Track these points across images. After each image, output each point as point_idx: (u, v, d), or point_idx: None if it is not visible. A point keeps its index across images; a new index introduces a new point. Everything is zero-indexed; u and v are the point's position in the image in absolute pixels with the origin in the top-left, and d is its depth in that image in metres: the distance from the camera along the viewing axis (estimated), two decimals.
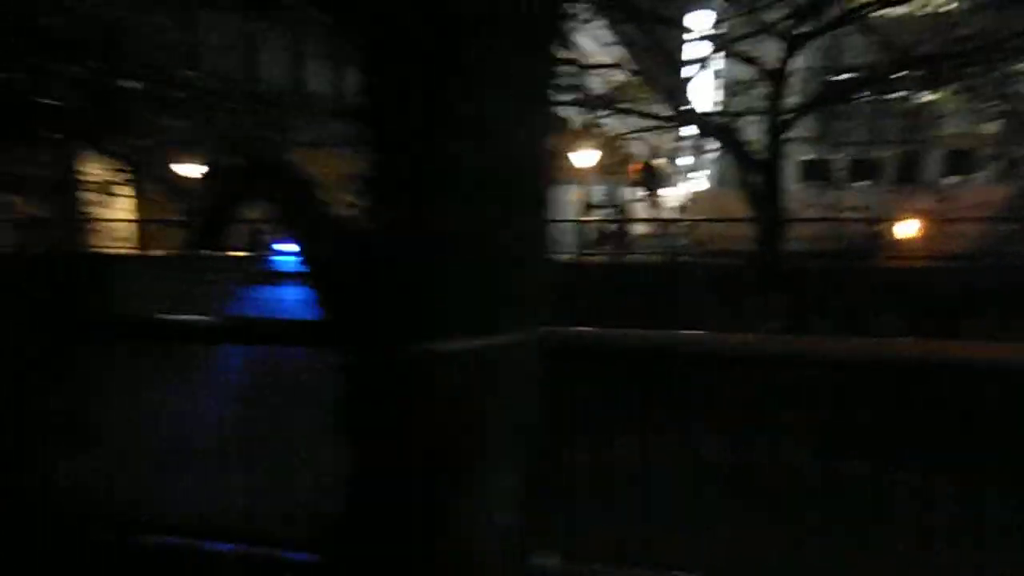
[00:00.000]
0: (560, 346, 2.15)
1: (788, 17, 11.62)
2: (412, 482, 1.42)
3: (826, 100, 12.49)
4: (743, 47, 13.10)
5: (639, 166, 18.20)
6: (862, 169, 22.85)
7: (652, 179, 18.57)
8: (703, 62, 13.96)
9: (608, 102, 13.27)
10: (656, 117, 14.58)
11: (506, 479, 1.52)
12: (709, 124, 13.09)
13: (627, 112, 13.65)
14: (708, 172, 27.01)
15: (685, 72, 15.20)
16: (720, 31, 13.82)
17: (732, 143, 12.80)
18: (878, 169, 23.33)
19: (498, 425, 1.45)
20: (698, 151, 22.10)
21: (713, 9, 15.55)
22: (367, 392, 1.41)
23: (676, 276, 13.94)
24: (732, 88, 14.87)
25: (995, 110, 13.44)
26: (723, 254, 17.27)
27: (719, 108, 14.41)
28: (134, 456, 2.82)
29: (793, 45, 12.05)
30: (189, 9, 12.51)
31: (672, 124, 14.31)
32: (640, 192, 19.98)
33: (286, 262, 17.06)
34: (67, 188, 16.39)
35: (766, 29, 12.23)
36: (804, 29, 11.97)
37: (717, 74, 18.59)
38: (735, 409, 2.54)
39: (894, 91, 14.17)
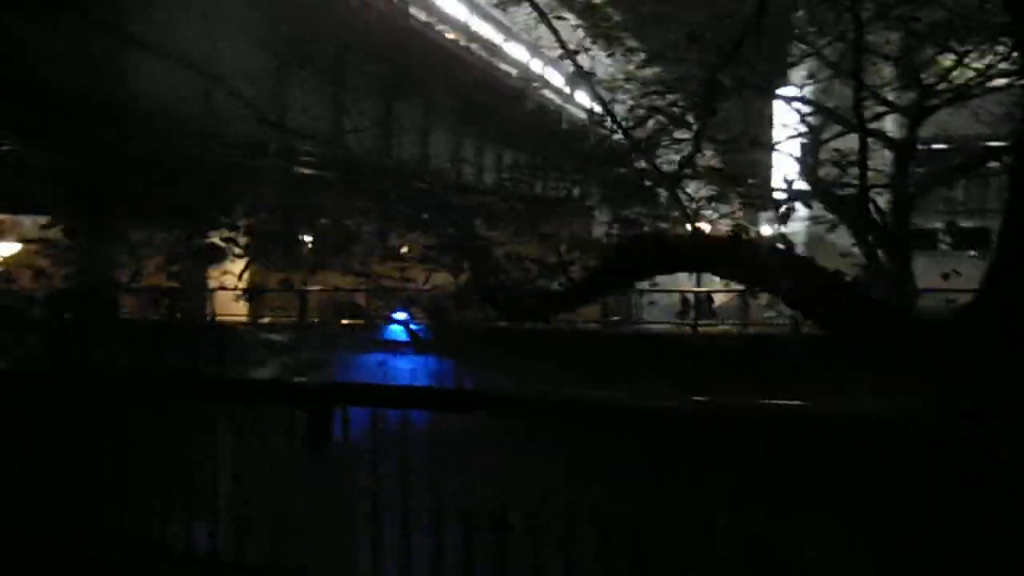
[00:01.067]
0: None
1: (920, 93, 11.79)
2: None
3: (960, 171, 12.49)
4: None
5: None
6: (975, 238, 22.28)
7: None
8: (815, 134, 14.17)
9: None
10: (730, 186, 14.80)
11: None
12: (829, 196, 13.20)
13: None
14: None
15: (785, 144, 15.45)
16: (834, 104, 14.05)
17: (854, 215, 12.82)
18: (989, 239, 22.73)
19: None
20: (782, 220, 21.88)
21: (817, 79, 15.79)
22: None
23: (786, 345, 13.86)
24: (841, 160, 14.95)
25: None
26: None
27: (830, 180, 14.51)
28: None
29: (918, 117, 12.17)
30: None
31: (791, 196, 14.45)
32: None
33: (398, 331, 17.60)
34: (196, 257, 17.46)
35: (891, 106, 12.41)
36: (932, 102, 12.10)
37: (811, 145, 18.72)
38: None
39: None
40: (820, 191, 13.03)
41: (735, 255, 2.04)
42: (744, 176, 15.74)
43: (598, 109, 19.00)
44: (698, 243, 2.22)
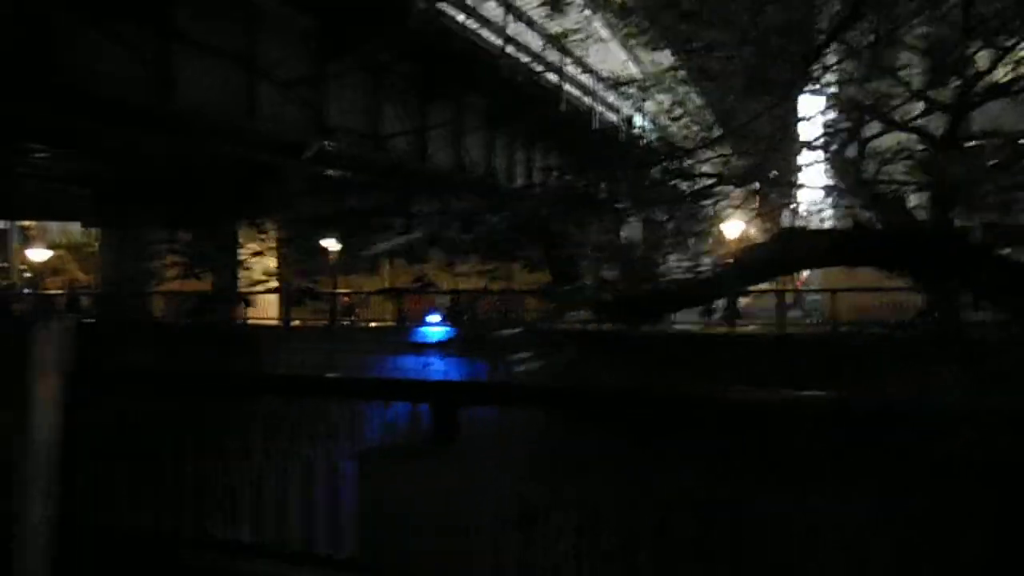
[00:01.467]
0: None
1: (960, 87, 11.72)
2: None
3: (1001, 167, 12.34)
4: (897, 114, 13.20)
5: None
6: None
7: None
8: (853, 132, 14.05)
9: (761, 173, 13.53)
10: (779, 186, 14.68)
11: None
12: (867, 194, 13.09)
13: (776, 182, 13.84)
14: None
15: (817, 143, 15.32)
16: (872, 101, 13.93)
17: (894, 214, 12.71)
18: None
19: None
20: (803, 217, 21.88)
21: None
22: None
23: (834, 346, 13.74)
24: (879, 157, 14.80)
25: None
26: (869, 324, 16.88)
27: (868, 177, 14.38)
28: None
29: (959, 113, 12.06)
30: None
31: (835, 193, 14.37)
32: None
33: (430, 333, 17.65)
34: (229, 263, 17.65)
35: (930, 101, 12.36)
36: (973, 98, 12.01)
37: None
38: None
39: None
40: (858, 188, 12.93)
41: (931, 250, 1.98)
42: (773, 175, 15.63)
43: (630, 111, 19.02)
44: (892, 235, 2.13)
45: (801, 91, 10.65)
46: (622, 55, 19.92)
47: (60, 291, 31.93)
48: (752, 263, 2.15)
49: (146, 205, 15.00)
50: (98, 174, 15.28)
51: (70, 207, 23.20)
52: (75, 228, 34.55)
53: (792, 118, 16.88)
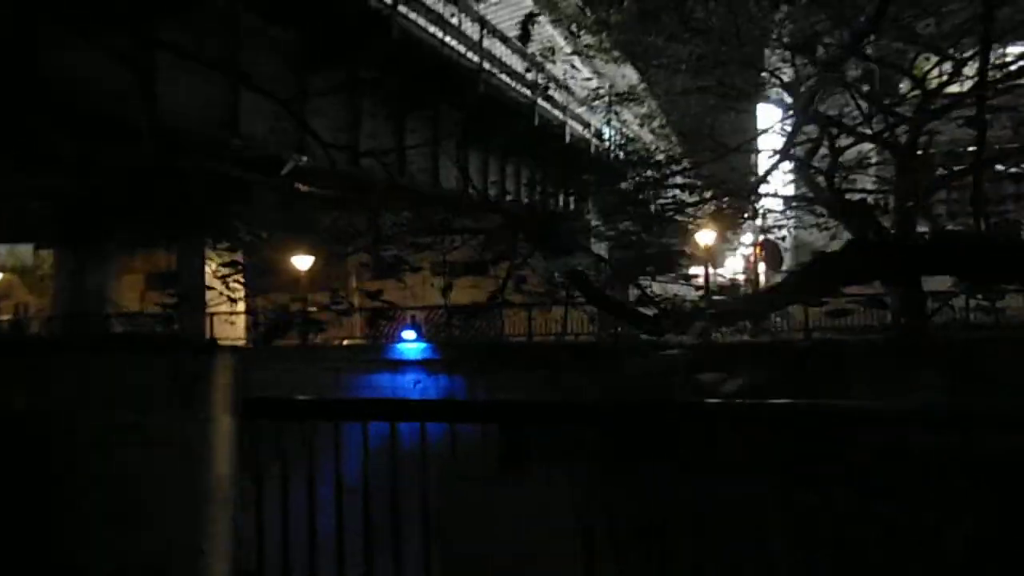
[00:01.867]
0: None
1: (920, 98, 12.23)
2: None
3: (962, 173, 12.92)
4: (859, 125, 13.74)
5: (761, 245, 18.82)
6: None
7: (775, 257, 19.09)
8: (818, 142, 14.53)
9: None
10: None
11: None
12: (839, 202, 13.54)
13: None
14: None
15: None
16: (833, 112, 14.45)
17: (862, 220, 13.17)
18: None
19: None
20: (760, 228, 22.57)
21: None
22: None
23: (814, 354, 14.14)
24: (844, 165, 15.30)
25: None
26: (840, 330, 17.36)
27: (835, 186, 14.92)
28: None
29: (920, 122, 12.58)
30: None
31: (803, 203, 14.84)
32: (764, 269, 20.63)
33: (407, 350, 17.60)
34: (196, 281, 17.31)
35: (891, 113, 12.86)
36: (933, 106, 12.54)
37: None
38: None
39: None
40: (827, 197, 13.39)
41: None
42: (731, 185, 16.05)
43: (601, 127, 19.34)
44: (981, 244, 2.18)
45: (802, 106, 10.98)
46: (586, 71, 20.28)
47: (8, 317, 30.79)
48: (820, 276, 2.18)
49: (113, 222, 14.67)
50: (62, 189, 14.86)
51: (22, 227, 22.42)
52: (24, 250, 33.43)
53: (755, 129, 17.43)
